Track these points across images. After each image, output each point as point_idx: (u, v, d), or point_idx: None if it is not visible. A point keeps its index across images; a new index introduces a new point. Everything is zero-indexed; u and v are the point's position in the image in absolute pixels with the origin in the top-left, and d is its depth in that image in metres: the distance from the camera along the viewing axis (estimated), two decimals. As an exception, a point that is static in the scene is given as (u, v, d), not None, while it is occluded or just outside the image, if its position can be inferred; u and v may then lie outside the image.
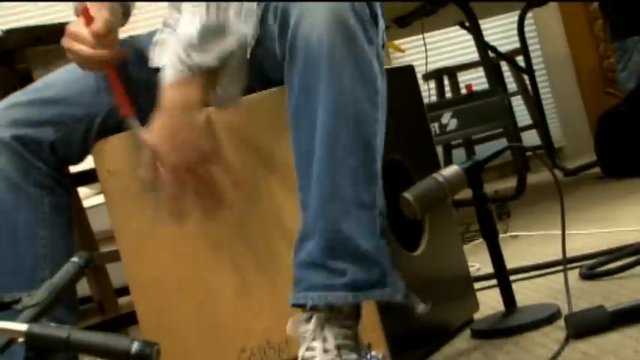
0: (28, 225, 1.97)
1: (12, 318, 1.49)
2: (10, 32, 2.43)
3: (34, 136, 1.98)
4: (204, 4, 1.73)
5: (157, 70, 1.93)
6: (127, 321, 2.67)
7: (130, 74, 2.03)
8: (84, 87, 2.05)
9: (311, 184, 1.68)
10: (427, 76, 5.10)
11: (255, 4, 1.86)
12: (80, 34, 1.92)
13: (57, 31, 2.41)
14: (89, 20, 1.94)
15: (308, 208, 1.69)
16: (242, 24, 1.79)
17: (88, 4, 1.95)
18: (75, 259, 1.69)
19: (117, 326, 2.72)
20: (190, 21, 1.74)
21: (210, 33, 1.73)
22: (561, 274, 2.14)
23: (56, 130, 2.01)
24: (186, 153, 1.75)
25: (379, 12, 1.81)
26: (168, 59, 1.77)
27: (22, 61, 2.50)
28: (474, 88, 4.96)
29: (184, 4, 1.78)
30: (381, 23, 1.85)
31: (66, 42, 1.95)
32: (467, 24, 4.22)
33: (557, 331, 1.99)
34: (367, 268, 1.69)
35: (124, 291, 2.73)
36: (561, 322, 2.00)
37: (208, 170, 1.78)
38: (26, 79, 2.47)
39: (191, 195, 1.79)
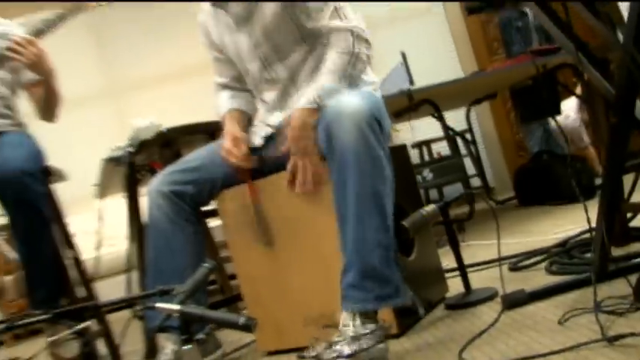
0: (180, 244, 1.97)
1: (170, 301, 1.50)
2: (170, 129, 2.43)
3: (182, 191, 2.00)
4: (334, 75, 1.84)
5: (251, 148, 2.03)
6: (236, 298, 2.63)
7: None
8: (212, 161, 2.05)
9: (347, 235, 1.70)
10: (413, 146, 5.11)
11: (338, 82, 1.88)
12: (233, 153, 2.00)
13: (194, 128, 2.43)
14: (235, 141, 2.02)
15: (347, 249, 1.71)
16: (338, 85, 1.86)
17: (234, 131, 2.04)
18: (206, 264, 1.69)
19: (231, 302, 2.69)
20: (327, 82, 1.83)
21: (333, 92, 1.82)
22: (497, 268, 2.10)
23: (194, 187, 2.02)
24: (302, 146, 1.82)
25: (386, 123, 1.83)
26: (305, 97, 1.84)
27: (176, 145, 2.48)
28: (442, 154, 4.93)
29: (322, 73, 1.86)
30: (388, 125, 1.85)
31: (224, 154, 2.01)
32: (436, 114, 4.19)
33: (496, 305, 1.97)
34: (387, 287, 1.71)
35: (233, 277, 2.71)
36: (498, 300, 1.99)
37: (307, 162, 1.83)
38: (177, 156, 2.47)
39: (301, 170, 1.84)
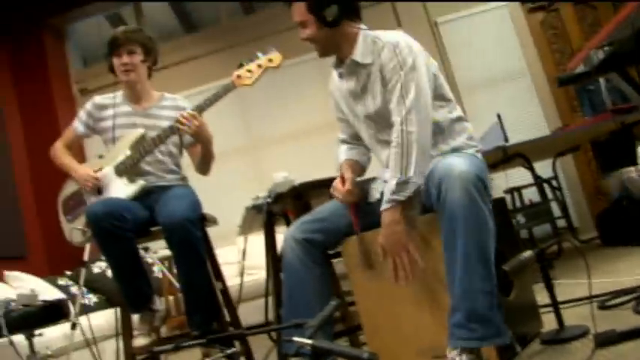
0: (310, 283, 1.96)
1: (302, 333, 1.50)
2: (301, 184, 2.46)
3: (312, 238, 1.99)
4: (397, 170, 1.79)
5: (370, 203, 2.01)
6: (357, 328, 2.57)
7: (358, 207, 2.02)
8: (337, 212, 2.04)
9: (455, 282, 1.66)
10: (506, 192, 4.93)
11: (423, 174, 1.81)
12: (338, 189, 2.00)
13: (321, 183, 2.43)
14: (342, 181, 2.01)
15: (454, 293, 1.67)
16: (418, 179, 1.80)
17: (344, 174, 2.03)
18: (333, 302, 1.66)
19: (352, 332, 2.63)
20: (393, 178, 1.80)
21: (402, 184, 1.77)
22: (585, 305, 1.95)
23: (323, 234, 2.01)
24: (396, 245, 1.81)
25: (488, 181, 1.76)
26: (384, 199, 1.82)
27: (306, 196, 2.50)
28: (532, 199, 4.73)
29: (389, 168, 1.83)
30: (489, 183, 1.79)
31: (332, 191, 2.02)
32: (527, 165, 4.03)
33: (588, 342, 1.84)
34: (489, 328, 1.65)
35: (352, 304, 2.64)
36: (590, 337, 1.85)
37: (406, 254, 1.81)
38: (307, 206, 2.48)
39: (399, 266, 1.83)
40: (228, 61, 5.64)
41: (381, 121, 1.97)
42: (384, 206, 1.80)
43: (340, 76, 2.07)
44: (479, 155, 1.92)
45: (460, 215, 1.62)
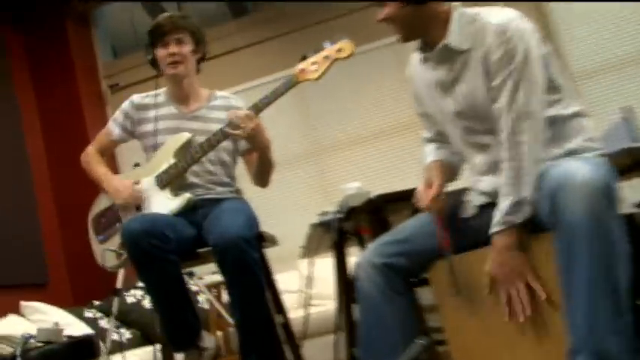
0: (392, 317, 1.97)
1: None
2: (378, 197, 2.49)
3: (394, 263, 2.00)
4: (512, 187, 1.79)
5: (464, 219, 2.01)
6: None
7: (448, 220, 2.01)
8: (424, 231, 2.03)
9: (576, 319, 1.63)
10: (638, 206, 4.72)
11: (529, 190, 1.80)
12: (422, 195, 2.02)
13: (403, 194, 2.47)
14: (428, 188, 2.02)
15: (576, 332, 1.63)
16: (528, 194, 1.80)
17: (431, 177, 2.04)
18: (419, 340, 1.69)
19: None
20: (507, 198, 1.80)
21: (519, 204, 1.78)
22: None
23: (407, 259, 2.01)
24: (511, 275, 1.82)
25: (617, 193, 1.69)
26: (495, 220, 1.83)
27: (383, 212, 2.54)
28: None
29: (502, 186, 1.83)
30: (618, 196, 1.75)
31: (415, 197, 2.04)
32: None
33: None
34: None
35: (441, 342, 2.63)
36: None
37: (524, 285, 1.82)
38: (384, 222, 2.52)
39: (515, 300, 1.83)
40: (287, 51, 5.78)
41: (475, 120, 1.94)
42: (495, 228, 1.80)
43: (424, 60, 2.04)
44: (603, 160, 1.80)
45: (582, 235, 1.58)
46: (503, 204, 1.80)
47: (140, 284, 4.56)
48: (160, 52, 2.85)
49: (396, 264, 1.99)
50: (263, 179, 2.87)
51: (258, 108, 2.64)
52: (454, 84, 1.97)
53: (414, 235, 2.03)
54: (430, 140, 2.24)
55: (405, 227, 2.08)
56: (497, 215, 1.81)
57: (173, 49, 2.82)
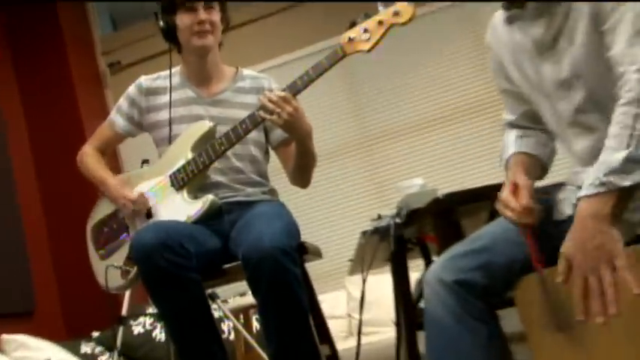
0: (468, 349, 1.95)
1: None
2: (447, 195, 2.49)
3: (470, 279, 1.97)
4: (627, 138, 1.67)
5: (559, 222, 1.95)
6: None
7: (539, 229, 1.95)
8: (506, 238, 1.99)
9: None
10: None
11: None
12: (509, 204, 1.93)
13: (478, 193, 2.47)
14: (516, 190, 1.96)
15: None
16: None
17: (516, 179, 1.98)
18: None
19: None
20: (615, 150, 1.68)
21: (632, 162, 1.67)
22: None
23: (485, 274, 1.98)
24: (594, 258, 1.70)
25: None
26: (587, 179, 1.72)
27: (453, 215, 2.54)
28: None
29: (608, 137, 1.72)
30: None
31: (499, 207, 1.97)
32: None
33: None
34: None
35: None
36: None
37: (611, 271, 1.70)
38: (456, 228, 2.52)
39: (594, 293, 1.73)
40: (330, 17, 5.74)
41: (584, 89, 1.89)
42: (586, 191, 1.70)
43: (511, 20, 2.02)
44: None
45: None
46: (608, 160, 1.69)
47: (151, 310, 4.61)
48: (184, 19, 2.88)
49: (472, 280, 1.97)
50: (303, 177, 2.91)
51: (296, 88, 2.66)
52: (555, 44, 1.93)
53: (493, 244, 2.01)
54: (513, 125, 2.22)
55: (482, 234, 2.06)
56: (594, 174, 1.70)
57: (202, 15, 2.86)
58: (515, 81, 2.12)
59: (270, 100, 2.62)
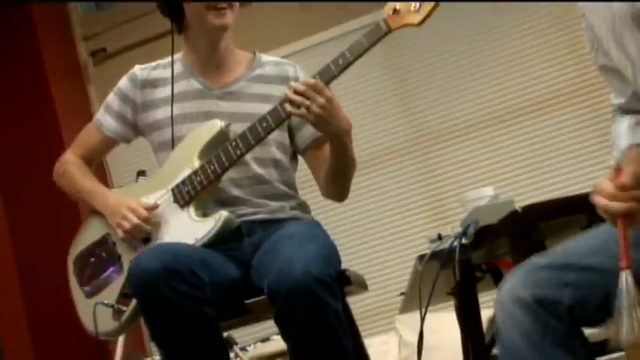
0: None
1: None
2: (527, 208, 2.48)
3: (553, 297, 1.97)
4: None
5: None
6: None
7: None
8: (606, 253, 1.96)
9: None
10: None
11: None
12: (602, 187, 1.91)
13: (569, 203, 2.46)
14: (616, 177, 1.92)
15: None
16: None
17: (624, 168, 1.94)
18: None
19: None
20: None
21: None
22: None
23: (574, 292, 1.97)
24: None
25: None
26: None
27: (536, 234, 2.53)
28: None
29: None
30: None
31: (593, 196, 1.94)
32: None
33: None
34: None
35: None
36: None
37: None
38: (540, 249, 2.51)
39: None
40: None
41: None
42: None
43: None
44: None
45: None
46: None
47: (153, 356, 4.63)
48: None
49: (558, 299, 1.97)
50: (339, 187, 2.92)
51: (329, 74, 2.66)
52: None
53: (588, 257, 2.01)
54: (624, 110, 2.20)
55: (573, 246, 2.07)
56: None
57: None
58: (612, 56, 2.12)
59: (297, 91, 2.61)
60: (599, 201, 1.90)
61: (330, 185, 2.92)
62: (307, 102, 2.60)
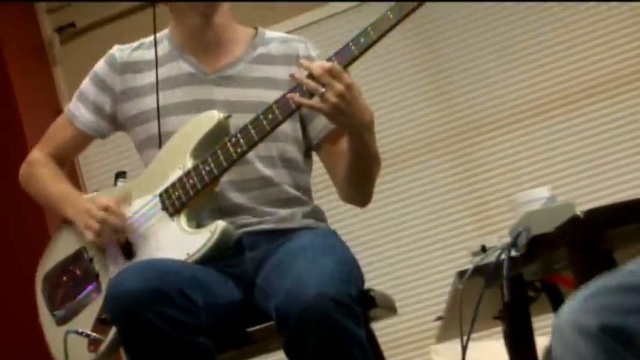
0: None
1: None
2: (593, 212, 2.47)
3: (620, 325, 1.96)
4: None
5: None
6: None
7: None
8: None
9: None
10: None
11: None
12: None
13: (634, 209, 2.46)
14: None
15: None
16: None
17: None
18: None
19: None
20: None
21: None
22: None
23: None
24: None
25: None
26: None
27: (603, 241, 2.53)
28: None
29: None
30: None
31: None
32: None
33: None
34: None
35: None
36: None
37: None
38: (608, 262, 2.51)
39: None
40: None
41: None
42: None
43: None
44: None
45: None
46: None
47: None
48: None
49: (630, 328, 1.96)
50: (360, 190, 2.94)
51: (349, 55, 2.67)
52: None
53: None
54: None
55: (646, 263, 2.09)
56: None
57: None
58: None
59: (310, 75, 2.62)
60: None
61: (350, 188, 2.93)
62: (322, 90, 2.59)
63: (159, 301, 2.47)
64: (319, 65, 2.63)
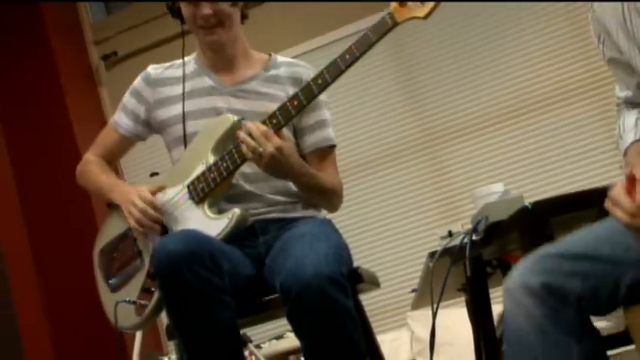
0: None
1: None
2: (537, 204, 2.47)
3: (562, 285, 1.96)
4: None
5: None
6: None
7: None
8: (613, 245, 1.99)
9: None
10: None
11: None
12: (620, 202, 1.88)
13: (579, 198, 2.45)
14: (631, 186, 1.89)
15: None
16: None
17: (635, 172, 1.93)
18: None
19: None
20: None
21: None
22: None
23: (583, 282, 1.96)
24: None
25: None
26: None
27: (546, 229, 2.52)
28: None
29: None
30: None
31: (608, 205, 1.92)
32: None
33: None
34: None
35: None
36: None
37: None
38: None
39: None
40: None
41: None
42: None
43: None
44: None
45: None
46: None
47: (170, 355, 4.62)
48: (185, 9, 2.91)
49: (566, 287, 1.97)
50: (320, 205, 3.01)
51: (337, 69, 2.69)
52: None
53: (596, 250, 2.00)
54: (631, 103, 2.20)
55: (582, 236, 2.07)
56: None
57: (205, 10, 2.87)
58: (621, 48, 2.12)
59: (251, 134, 2.67)
60: (620, 217, 1.88)
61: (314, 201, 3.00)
62: (260, 149, 2.66)
63: (193, 261, 2.48)
64: (257, 127, 2.68)
